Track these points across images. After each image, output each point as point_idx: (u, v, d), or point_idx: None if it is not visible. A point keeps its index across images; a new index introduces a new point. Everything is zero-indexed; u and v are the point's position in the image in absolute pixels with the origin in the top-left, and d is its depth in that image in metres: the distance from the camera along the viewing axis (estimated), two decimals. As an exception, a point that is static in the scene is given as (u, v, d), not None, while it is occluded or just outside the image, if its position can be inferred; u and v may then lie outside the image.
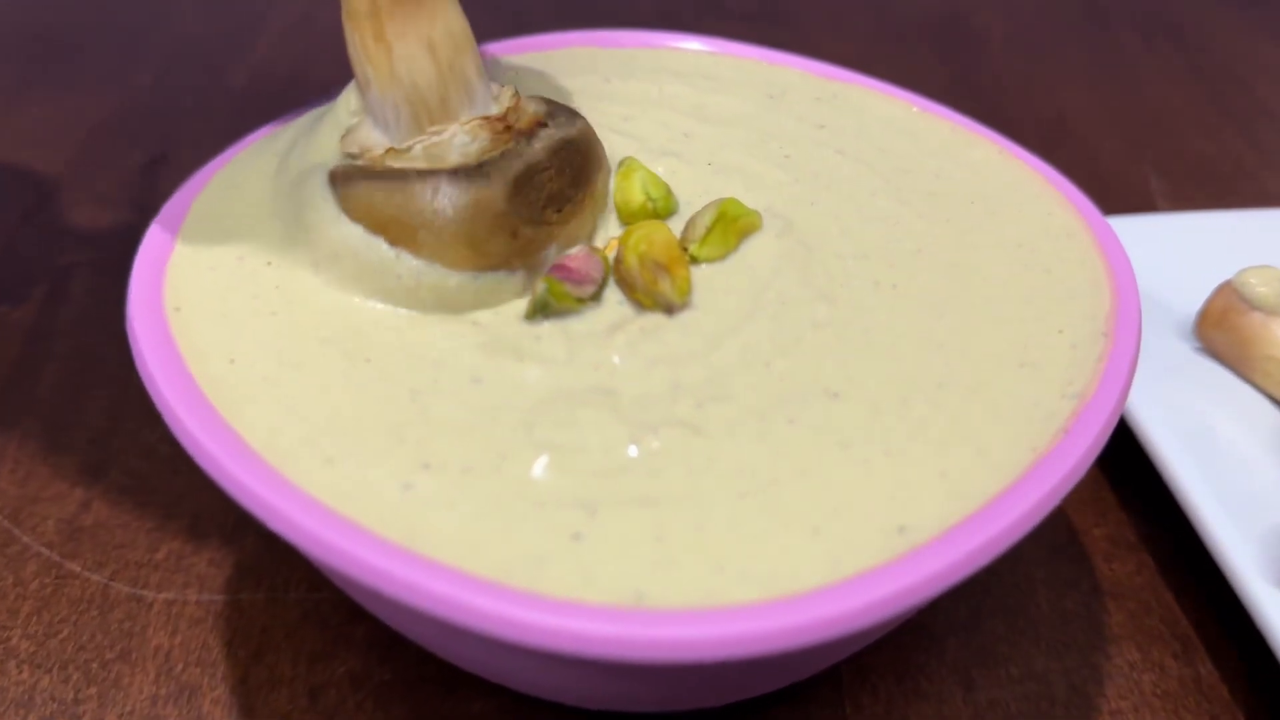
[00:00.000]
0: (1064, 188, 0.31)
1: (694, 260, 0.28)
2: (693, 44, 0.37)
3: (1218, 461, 0.34)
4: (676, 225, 0.29)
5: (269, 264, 0.27)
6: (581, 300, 0.26)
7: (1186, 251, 0.42)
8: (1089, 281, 0.28)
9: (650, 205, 0.29)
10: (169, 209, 0.28)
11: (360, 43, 0.27)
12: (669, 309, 0.26)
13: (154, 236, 0.27)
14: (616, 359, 0.25)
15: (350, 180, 0.26)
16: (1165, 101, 0.59)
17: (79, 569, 0.33)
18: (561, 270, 0.27)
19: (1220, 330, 0.37)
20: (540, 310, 0.26)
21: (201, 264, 0.27)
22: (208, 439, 0.22)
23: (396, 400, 0.24)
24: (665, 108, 0.34)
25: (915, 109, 0.35)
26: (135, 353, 0.24)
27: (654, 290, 0.26)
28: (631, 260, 0.27)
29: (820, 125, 0.34)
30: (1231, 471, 0.34)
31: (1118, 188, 0.52)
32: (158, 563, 0.33)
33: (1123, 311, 0.27)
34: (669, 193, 0.29)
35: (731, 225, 0.28)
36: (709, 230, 0.28)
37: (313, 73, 0.59)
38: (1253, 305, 0.37)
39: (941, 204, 0.31)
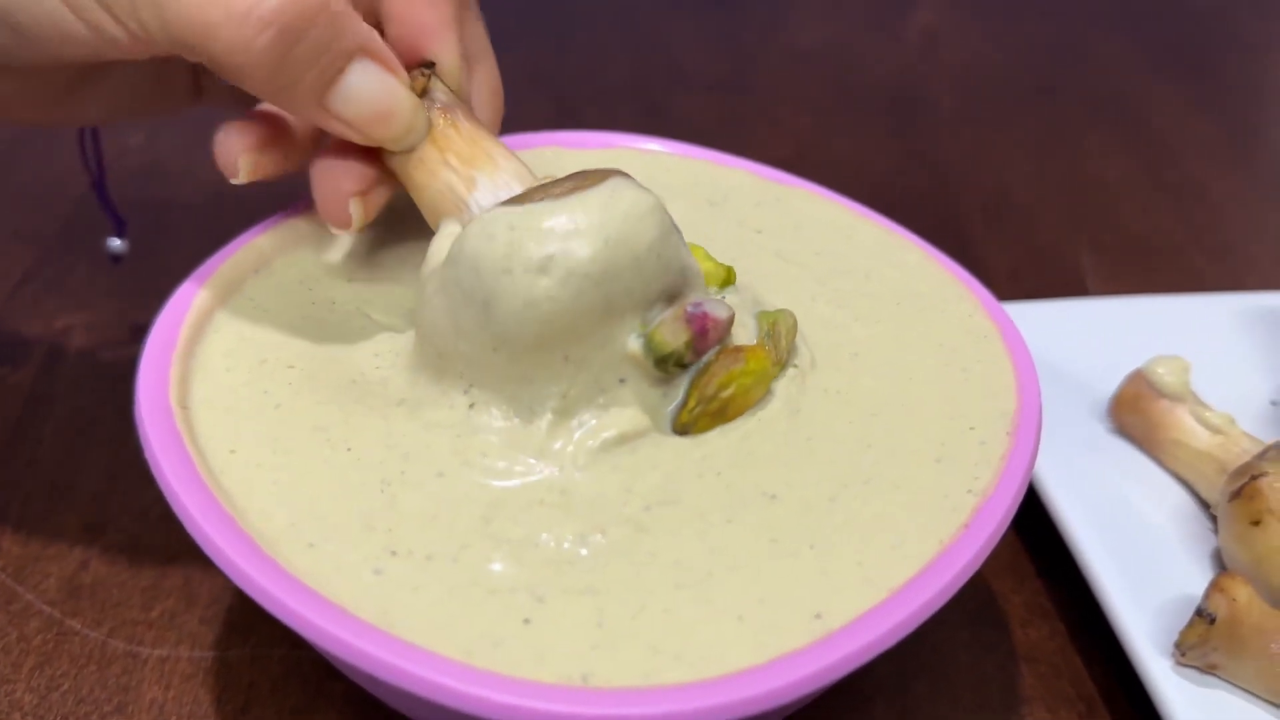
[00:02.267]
0: (980, 291, 0.35)
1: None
2: (651, 145, 0.40)
3: (1124, 536, 0.38)
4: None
5: (290, 367, 0.31)
6: (684, 368, 0.29)
7: (1107, 335, 0.46)
8: (1000, 383, 0.31)
9: (724, 273, 0.32)
10: (172, 307, 0.31)
11: (457, 164, 0.31)
12: (684, 430, 0.29)
13: (160, 333, 0.30)
14: (578, 473, 0.28)
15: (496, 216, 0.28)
16: (1103, 176, 0.63)
17: (79, 626, 0.36)
18: (701, 330, 0.29)
19: (1132, 414, 0.41)
20: (661, 359, 0.28)
21: (216, 364, 0.30)
22: (211, 530, 0.25)
23: (369, 490, 0.27)
24: None
25: (850, 212, 0.38)
26: (145, 447, 0.27)
27: (705, 418, 0.29)
28: (727, 389, 0.29)
29: (759, 230, 0.37)
30: (1136, 546, 0.37)
31: (1052, 264, 0.55)
32: (152, 620, 0.36)
33: (1025, 410, 0.30)
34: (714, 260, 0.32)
35: (787, 336, 0.31)
36: (785, 353, 0.31)
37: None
38: (1161, 393, 0.40)
39: (875, 305, 0.34)
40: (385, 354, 0.32)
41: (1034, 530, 0.41)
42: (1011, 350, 0.32)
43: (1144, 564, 0.37)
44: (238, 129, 0.31)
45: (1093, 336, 0.46)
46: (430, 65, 0.31)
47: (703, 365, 0.29)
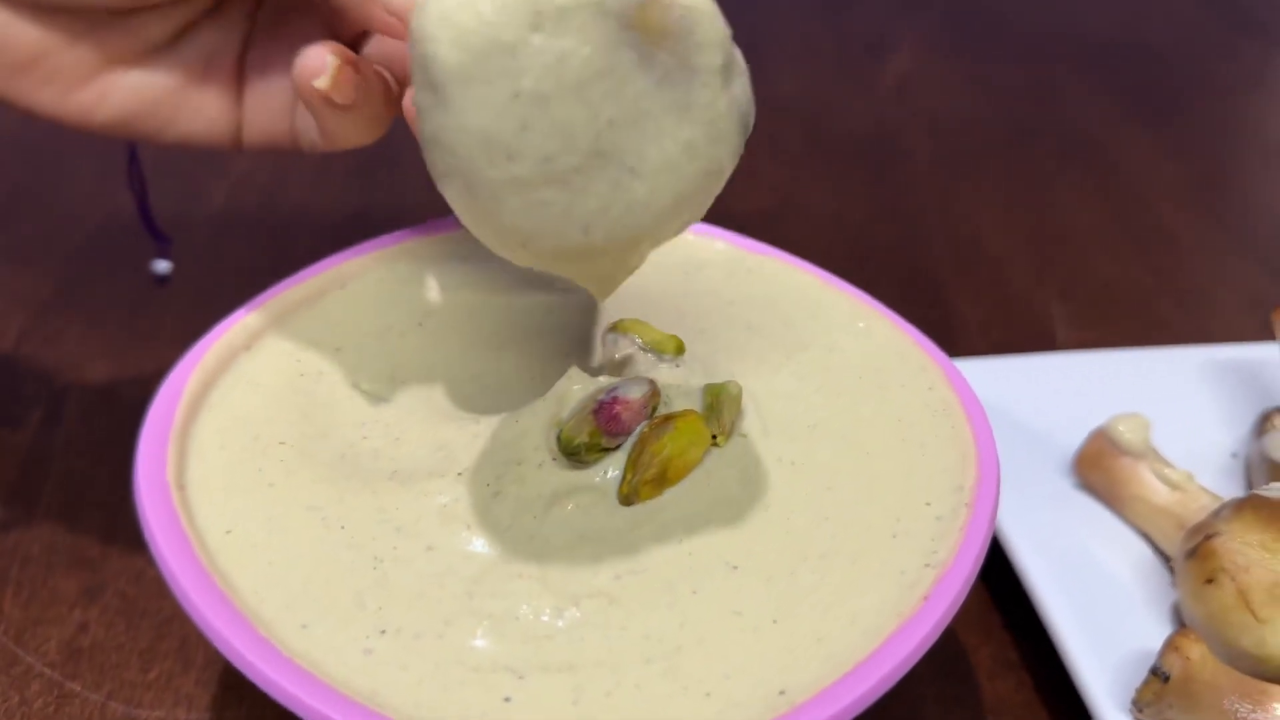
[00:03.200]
0: (944, 363, 0.36)
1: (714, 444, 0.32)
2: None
3: (1087, 590, 0.39)
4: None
5: (282, 443, 0.32)
6: (606, 450, 0.30)
7: (1073, 389, 0.47)
8: (958, 456, 0.33)
9: (674, 341, 0.34)
10: (167, 387, 0.33)
11: None
12: (628, 501, 0.30)
13: (156, 413, 0.32)
14: (551, 535, 0.29)
15: None
16: (1074, 223, 0.65)
17: (79, 689, 0.37)
18: (609, 416, 0.30)
19: (1095, 471, 0.43)
20: (570, 452, 0.30)
21: (211, 442, 0.32)
22: (211, 615, 0.27)
23: (361, 568, 0.29)
24: None
25: (819, 281, 0.39)
26: (145, 529, 0.29)
27: (641, 486, 0.30)
28: (658, 459, 0.30)
29: (731, 301, 0.39)
30: (1098, 601, 0.39)
31: (1022, 314, 0.57)
32: (150, 682, 0.37)
33: (983, 484, 0.32)
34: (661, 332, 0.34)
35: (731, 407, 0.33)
36: (730, 424, 0.32)
37: (288, 192, 0.63)
38: (1122, 450, 0.42)
39: (836, 378, 0.36)
40: (370, 423, 0.34)
41: (1003, 583, 0.42)
42: (972, 422, 0.34)
43: (1106, 619, 0.38)
44: (330, 45, 0.31)
45: (1059, 391, 0.47)
46: None
47: (636, 439, 0.30)
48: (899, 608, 0.28)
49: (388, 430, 0.34)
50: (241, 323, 0.36)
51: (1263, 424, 0.45)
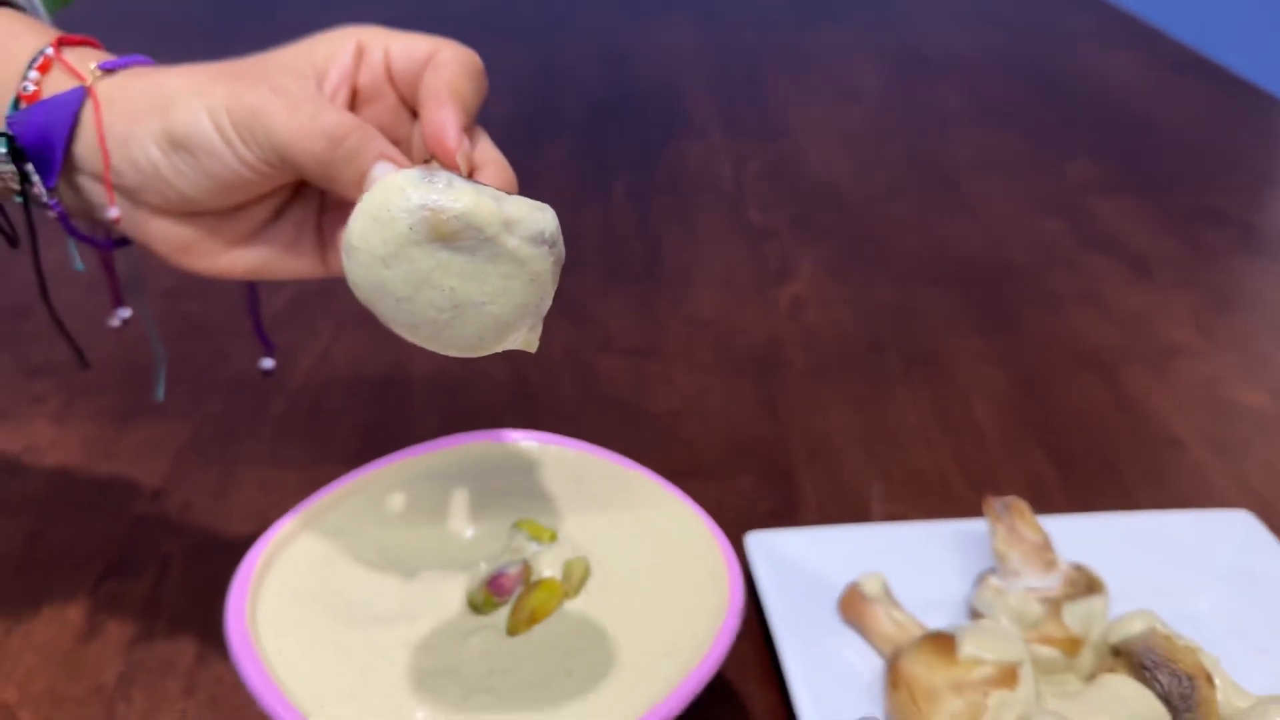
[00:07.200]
0: (721, 541, 0.58)
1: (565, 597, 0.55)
2: (552, 441, 0.64)
3: (832, 690, 0.60)
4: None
5: (314, 599, 0.54)
6: (497, 604, 0.54)
7: (862, 555, 0.69)
8: (718, 606, 0.54)
9: (549, 533, 0.57)
10: (246, 562, 0.55)
11: None
12: (512, 633, 0.53)
13: (240, 579, 0.54)
14: (465, 653, 0.51)
15: None
16: (904, 421, 0.87)
17: (184, 751, 0.58)
18: (496, 585, 0.54)
19: (850, 611, 0.64)
20: (475, 607, 0.53)
21: (272, 597, 0.54)
22: (268, 697, 0.48)
23: (355, 673, 0.51)
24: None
25: (661, 489, 0.62)
26: (231, 648, 0.51)
27: (518, 624, 0.53)
28: (528, 607, 0.53)
29: (600, 500, 0.61)
30: (841, 696, 0.60)
31: (848, 493, 0.79)
32: (228, 748, 0.59)
33: (726, 626, 0.53)
34: (543, 528, 0.57)
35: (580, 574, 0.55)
36: (578, 584, 0.55)
37: (328, 399, 0.86)
38: (866, 597, 0.63)
39: (655, 549, 0.58)
40: (370, 584, 0.56)
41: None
42: (730, 584, 0.55)
43: (842, 706, 0.59)
44: None
45: (851, 555, 0.69)
46: (428, 160, 0.48)
47: (516, 597, 0.53)
48: (667, 687, 0.50)
49: (380, 590, 0.56)
50: (295, 519, 0.58)
51: (980, 581, 0.66)
